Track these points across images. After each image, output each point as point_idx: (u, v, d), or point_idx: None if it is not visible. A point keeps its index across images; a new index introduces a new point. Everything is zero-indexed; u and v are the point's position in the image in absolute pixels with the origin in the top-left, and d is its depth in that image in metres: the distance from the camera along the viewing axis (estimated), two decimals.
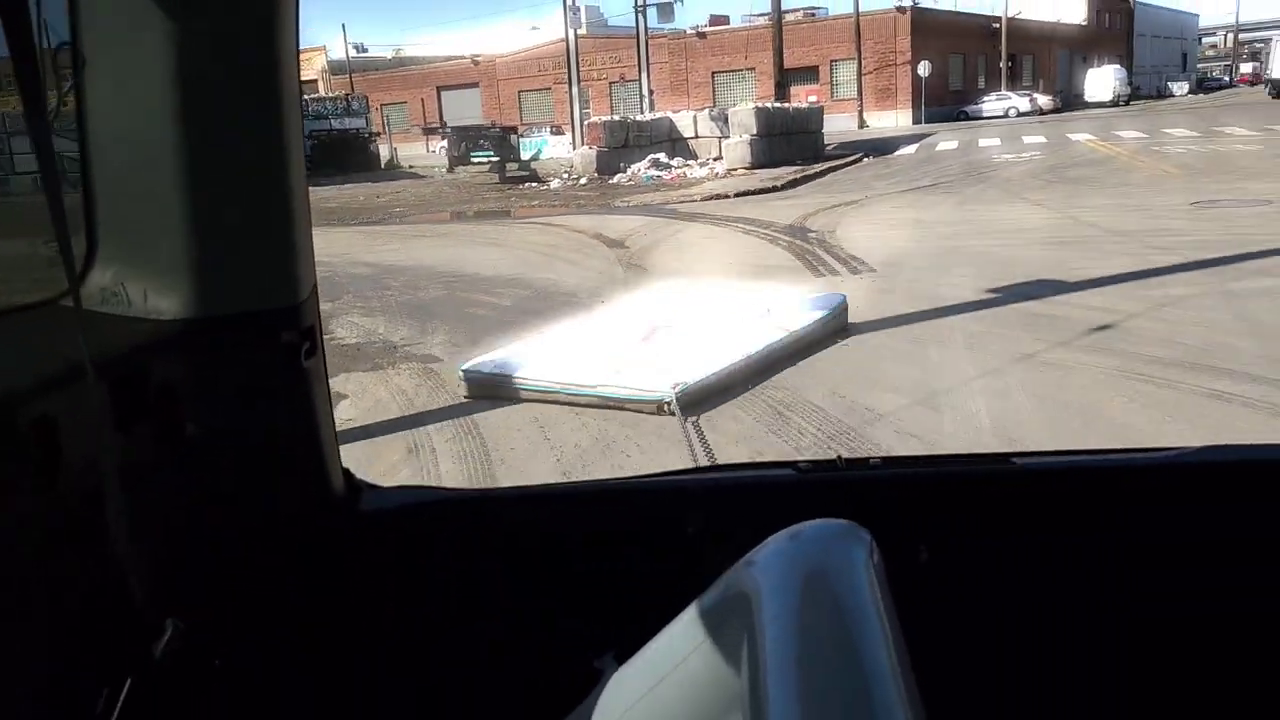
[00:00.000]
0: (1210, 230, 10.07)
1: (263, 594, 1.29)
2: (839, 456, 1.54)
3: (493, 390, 5.93)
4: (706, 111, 27.45)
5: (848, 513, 1.00)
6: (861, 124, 44.92)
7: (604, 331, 6.90)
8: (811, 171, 21.42)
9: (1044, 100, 49.59)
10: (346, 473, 1.40)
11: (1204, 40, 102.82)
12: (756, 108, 24.57)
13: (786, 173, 20.96)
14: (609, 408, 5.45)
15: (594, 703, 1.06)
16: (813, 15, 52.18)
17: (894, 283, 8.60)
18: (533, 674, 1.41)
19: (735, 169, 22.67)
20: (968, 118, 46.57)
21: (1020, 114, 46.55)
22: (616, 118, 27.06)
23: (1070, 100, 54.91)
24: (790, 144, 24.61)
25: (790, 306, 6.95)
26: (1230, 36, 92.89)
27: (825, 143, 27.29)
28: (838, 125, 38.21)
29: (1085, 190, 14.83)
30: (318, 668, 1.35)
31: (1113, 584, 1.44)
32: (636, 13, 30.83)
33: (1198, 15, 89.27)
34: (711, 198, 17.67)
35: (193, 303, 1.17)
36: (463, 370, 6.12)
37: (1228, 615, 1.43)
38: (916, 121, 45.18)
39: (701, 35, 50.27)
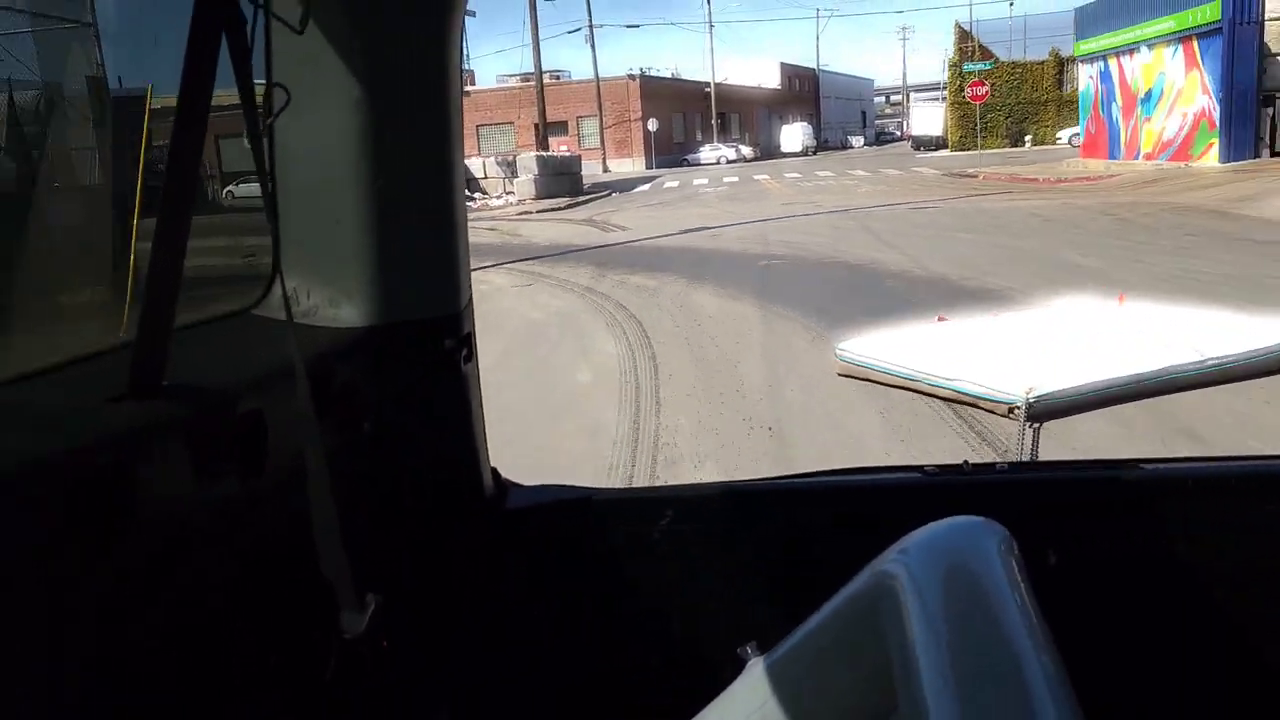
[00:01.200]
0: (779, 212, 23.30)
1: (421, 581, 1.44)
2: (965, 461, 1.64)
3: (860, 370, 6.54)
4: (494, 159, 37.99)
5: (974, 515, 1.04)
6: (605, 169, 55.97)
7: (981, 331, 6.03)
8: (581, 200, 33.12)
9: (747, 150, 63.45)
10: (494, 471, 1.56)
11: (891, 99, 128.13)
12: (537, 155, 35.63)
13: (564, 201, 32.27)
14: (962, 403, 5.20)
15: (737, 692, 1.12)
16: (558, 78, 62.83)
17: (640, 233, 20.86)
18: (677, 663, 1.52)
19: (525, 199, 32.34)
20: (688, 164, 58.81)
21: (729, 161, 59.34)
22: None
23: (770, 150, 68.71)
24: (560, 182, 34.67)
25: (1227, 332, 7.03)
26: (911, 96, 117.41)
27: (584, 182, 37.77)
28: (586, 170, 46.74)
29: (739, 203, 28.10)
30: (467, 653, 1.52)
31: (1240, 589, 1.48)
32: None
33: (873, 80, 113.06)
34: (523, 214, 29.19)
35: (366, 312, 1.32)
36: (838, 349, 5.77)
37: None
38: (649, 167, 56.66)
39: (467, 94, 60.24)
